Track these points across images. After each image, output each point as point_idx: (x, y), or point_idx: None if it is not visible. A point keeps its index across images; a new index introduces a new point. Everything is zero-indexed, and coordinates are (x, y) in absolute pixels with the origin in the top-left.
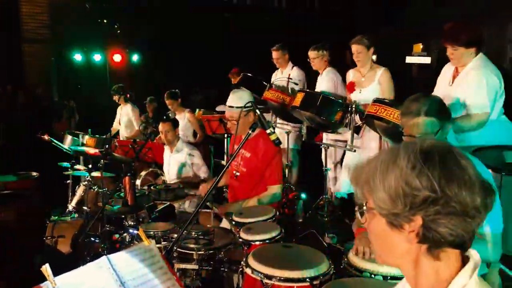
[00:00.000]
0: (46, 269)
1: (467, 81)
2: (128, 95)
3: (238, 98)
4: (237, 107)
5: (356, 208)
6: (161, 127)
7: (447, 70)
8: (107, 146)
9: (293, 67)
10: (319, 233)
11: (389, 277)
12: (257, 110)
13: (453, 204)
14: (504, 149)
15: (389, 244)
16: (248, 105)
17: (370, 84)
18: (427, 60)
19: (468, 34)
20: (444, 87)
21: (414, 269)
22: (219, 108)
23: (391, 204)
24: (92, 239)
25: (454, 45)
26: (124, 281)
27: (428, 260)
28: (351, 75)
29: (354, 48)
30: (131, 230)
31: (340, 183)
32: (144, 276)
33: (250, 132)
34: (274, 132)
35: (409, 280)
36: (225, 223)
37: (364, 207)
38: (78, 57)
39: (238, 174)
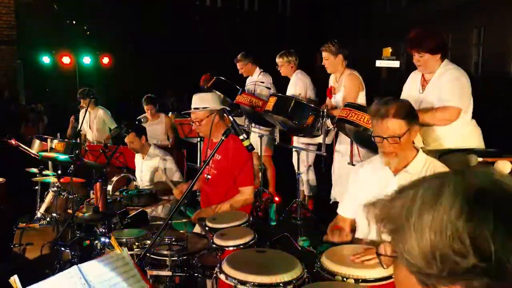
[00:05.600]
0: (15, 280)
1: (442, 83)
2: (96, 98)
3: (201, 100)
4: (203, 108)
5: (376, 251)
6: (126, 138)
7: (414, 78)
8: (77, 151)
9: (260, 72)
10: (292, 237)
11: (360, 280)
12: (230, 117)
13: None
14: (469, 152)
15: None
16: (212, 104)
17: (340, 89)
18: (396, 63)
19: (433, 40)
20: (415, 95)
21: None
22: (185, 111)
23: (424, 263)
24: (62, 249)
25: (420, 52)
26: None
27: None
28: (331, 79)
29: (323, 54)
30: (102, 239)
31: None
32: (117, 285)
33: (223, 138)
34: (247, 138)
35: None
36: (198, 229)
37: (384, 251)
38: (46, 59)
39: (209, 177)
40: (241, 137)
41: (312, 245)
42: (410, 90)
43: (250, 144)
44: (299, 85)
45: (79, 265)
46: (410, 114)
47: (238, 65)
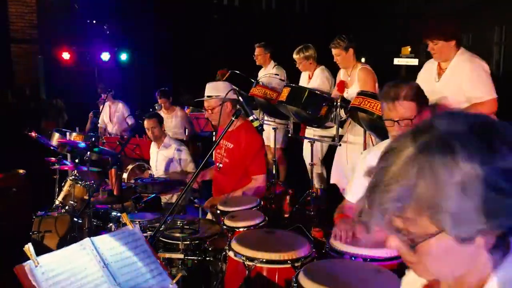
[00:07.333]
0: (29, 248)
1: (464, 72)
2: (113, 92)
3: (214, 88)
4: (216, 96)
5: (404, 240)
6: (146, 123)
7: (429, 67)
8: (93, 139)
9: (274, 65)
10: (305, 228)
11: (368, 259)
12: (240, 97)
13: None
14: None
15: (455, 261)
16: (230, 92)
17: (353, 84)
18: (414, 61)
19: (446, 27)
20: (430, 84)
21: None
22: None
23: (477, 219)
24: (80, 220)
25: (434, 40)
26: (107, 262)
27: (486, 254)
28: (341, 74)
29: (333, 51)
30: (114, 213)
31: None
32: (128, 258)
33: (233, 118)
34: (257, 119)
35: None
36: (210, 217)
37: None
38: (66, 55)
39: (221, 165)
40: (250, 118)
41: (325, 236)
42: (425, 79)
43: (260, 125)
44: (325, 83)
45: (91, 237)
46: (420, 96)
47: (257, 51)
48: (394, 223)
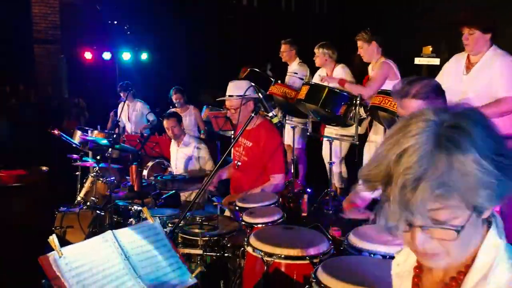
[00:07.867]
0: (53, 239)
1: (494, 67)
2: (133, 91)
3: (237, 87)
4: (237, 96)
5: (444, 231)
6: (166, 123)
7: (457, 60)
8: (114, 136)
9: (298, 62)
10: (324, 226)
11: (388, 257)
12: (259, 94)
13: None
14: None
15: (473, 236)
16: (248, 92)
17: None
18: (436, 61)
19: (486, 18)
20: (457, 76)
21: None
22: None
23: (499, 187)
24: (102, 213)
25: (472, 28)
26: (128, 255)
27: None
28: (369, 69)
29: (358, 43)
30: (135, 207)
31: None
32: (148, 252)
33: (252, 115)
34: (276, 115)
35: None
36: (228, 214)
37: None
38: (88, 55)
39: (239, 163)
40: (270, 114)
41: (343, 235)
42: (452, 71)
43: (279, 121)
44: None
45: (113, 230)
46: (432, 95)
47: (282, 48)
48: (437, 217)
